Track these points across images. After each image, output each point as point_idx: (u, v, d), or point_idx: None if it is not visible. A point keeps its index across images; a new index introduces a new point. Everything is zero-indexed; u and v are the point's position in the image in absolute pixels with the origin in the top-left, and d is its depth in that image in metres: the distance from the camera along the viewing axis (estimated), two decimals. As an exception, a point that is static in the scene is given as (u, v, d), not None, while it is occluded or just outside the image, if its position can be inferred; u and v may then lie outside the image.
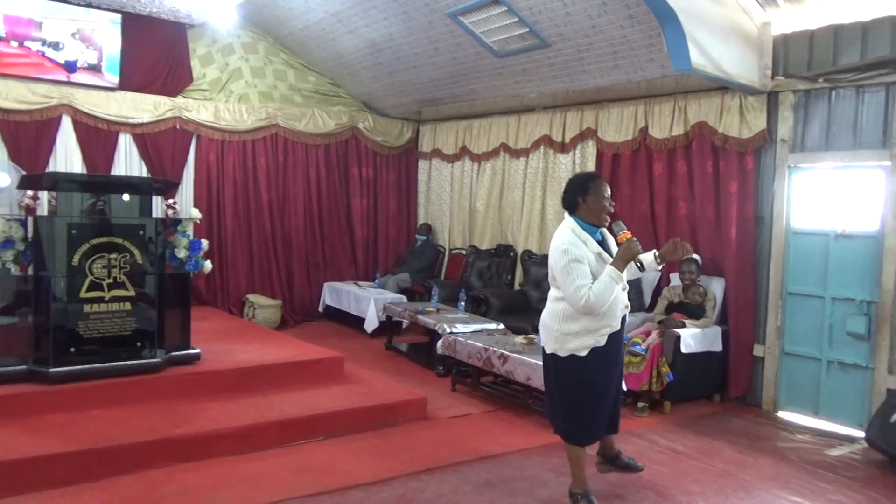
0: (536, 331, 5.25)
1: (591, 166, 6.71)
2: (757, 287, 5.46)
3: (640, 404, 5.11)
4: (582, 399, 3.35)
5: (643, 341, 5.16)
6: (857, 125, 4.90)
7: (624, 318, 3.44)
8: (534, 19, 5.69)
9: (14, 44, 6.57)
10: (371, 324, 7.13)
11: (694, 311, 5.40)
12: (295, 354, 5.29)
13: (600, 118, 6.61)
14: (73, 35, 6.82)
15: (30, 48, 6.64)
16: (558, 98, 6.94)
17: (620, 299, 3.37)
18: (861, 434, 4.66)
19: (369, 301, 7.21)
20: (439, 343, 5.57)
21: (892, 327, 4.69)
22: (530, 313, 6.58)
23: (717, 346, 5.40)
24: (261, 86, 8.09)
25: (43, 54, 6.70)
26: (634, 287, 5.98)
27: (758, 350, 5.43)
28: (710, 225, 5.69)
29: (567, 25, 5.59)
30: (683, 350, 5.10)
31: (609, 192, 3.39)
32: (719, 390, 5.55)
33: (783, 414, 5.31)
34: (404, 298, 7.50)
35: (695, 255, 5.53)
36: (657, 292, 5.94)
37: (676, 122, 5.91)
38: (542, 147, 7.23)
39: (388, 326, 6.97)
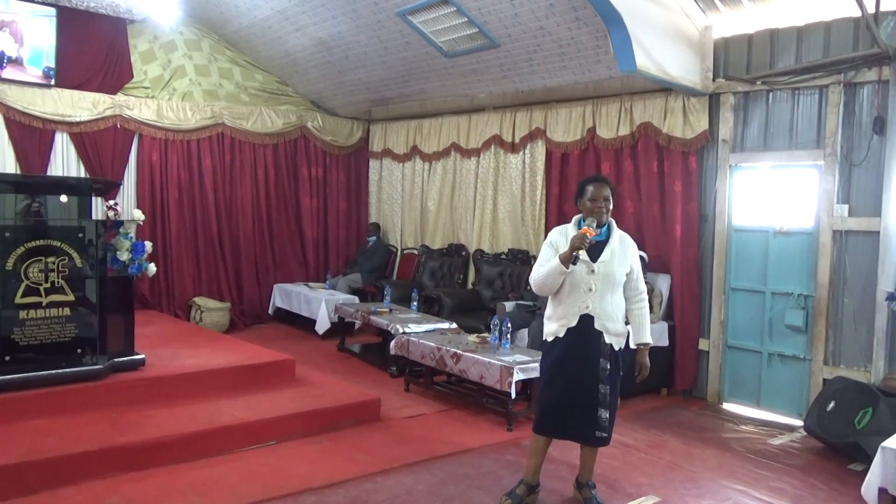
0: (489, 329, 5.29)
1: (540, 166, 6.79)
2: (701, 283, 5.63)
3: (591, 400, 5.19)
4: (543, 384, 3.48)
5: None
6: (793, 126, 5.11)
7: (591, 321, 3.29)
8: (483, 20, 5.73)
9: None
10: (322, 325, 7.05)
11: (642, 308, 5.52)
12: (244, 358, 5.18)
13: (549, 118, 6.69)
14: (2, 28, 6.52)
15: None
16: (508, 98, 7.00)
17: (577, 296, 3.30)
18: (800, 423, 4.86)
19: (320, 302, 7.12)
20: (392, 343, 5.54)
21: (827, 320, 4.90)
22: (482, 312, 6.62)
23: (664, 341, 5.54)
24: (205, 84, 7.90)
25: None
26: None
27: (703, 344, 5.60)
28: (656, 223, 5.83)
29: (516, 26, 5.64)
30: (631, 345, 5.19)
31: (599, 193, 3.30)
32: (666, 384, 5.70)
33: (727, 406, 5.48)
34: (356, 299, 7.44)
35: (641, 253, 5.66)
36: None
37: (623, 123, 6.03)
38: (492, 147, 7.28)
39: (341, 328, 6.90)
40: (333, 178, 8.82)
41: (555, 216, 6.68)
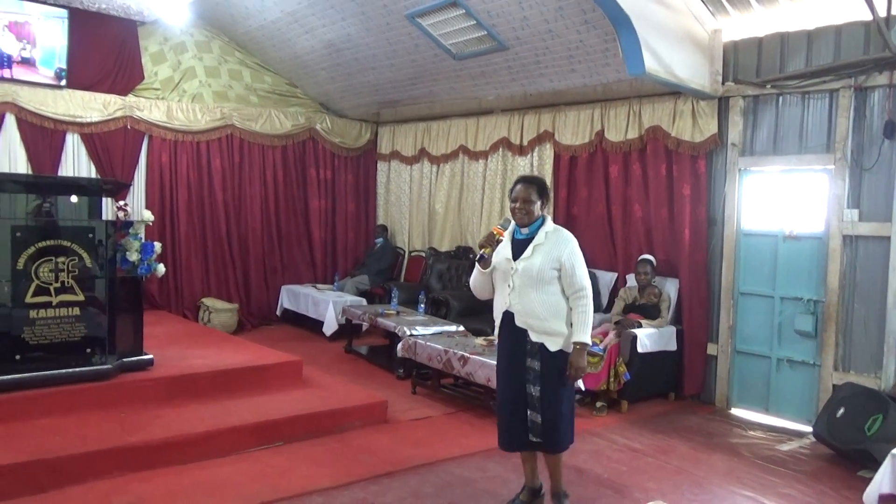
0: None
1: (548, 169, 6.79)
2: (710, 287, 5.60)
3: (599, 404, 5.19)
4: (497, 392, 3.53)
5: (601, 342, 5.24)
6: (802, 130, 5.08)
7: (512, 318, 3.25)
8: (491, 22, 5.73)
9: None
10: (330, 327, 7.06)
11: (649, 312, 5.51)
12: (252, 359, 5.20)
13: (557, 121, 6.69)
14: (7, 29, 6.56)
15: None
16: (516, 101, 7.00)
17: (501, 295, 3.31)
18: (809, 429, 4.83)
19: (328, 304, 7.14)
20: (399, 346, 5.55)
21: (837, 325, 4.87)
22: (489, 315, 6.58)
23: (672, 346, 5.52)
24: (215, 85, 7.94)
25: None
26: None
27: (711, 349, 5.58)
28: (665, 226, 5.81)
29: (524, 29, 5.64)
30: (640, 350, 5.20)
31: (520, 194, 3.27)
32: (674, 389, 5.68)
33: (735, 411, 5.45)
34: (363, 301, 7.45)
35: (649, 257, 5.65)
36: (614, 293, 6.04)
37: (631, 126, 6.02)
38: (500, 149, 7.28)
39: (348, 329, 6.91)
40: (342, 179, 8.84)
41: (563, 219, 6.67)
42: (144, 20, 7.29)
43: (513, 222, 3.33)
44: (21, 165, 6.74)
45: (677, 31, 5.08)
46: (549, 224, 3.32)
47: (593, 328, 5.51)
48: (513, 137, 7.13)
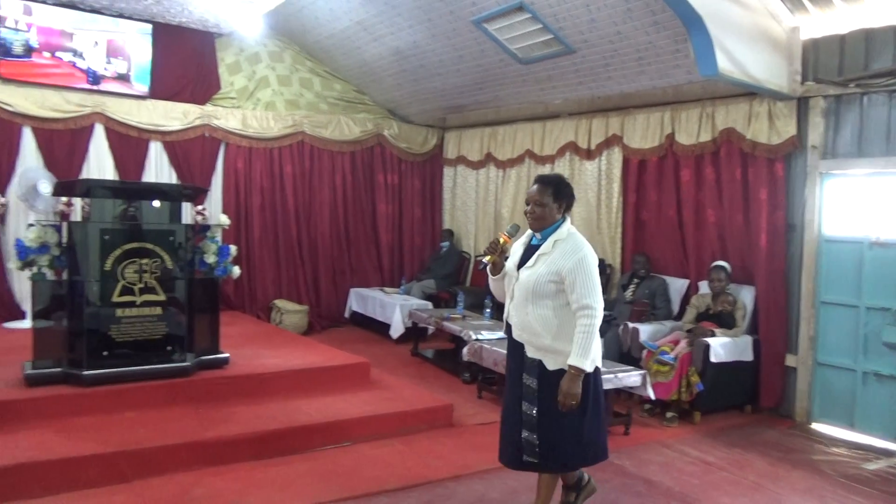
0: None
1: (616, 173, 6.67)
2: (788, 296, 5.37)
3: (669, 414, 5.06)
4: None
5: (671, 350, 5.11)
6: (890, 131, 4.81)
7: (509, 333, 3.10)
8: (558, 26, 5.69)
9: (46, 54, 6.74)
10: (397, 330, 7.15)
11: (724, 320, 5.33)
12: (321, 360, 5.32)
13: (626, 124, 6.57)
14: (102, 45, 6.96)
15: (61, 58, 6.80)
16: (584, 104, 6.92)
17: (506, 304, 3.14)
18: (897, 446, 4.56)
19: (395, 307, 7.23)
20: (465, 350, 5.56)
21: (929, 337, 4.58)
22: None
23: (748, 356, 5.32)
24: (287, 93, 8.18)
25: (74, 64, 6.86)
26: (662, 295, 5.93)
27: (790, 360, 5.34)
28: (740, 232, 5.61)
29: (592, 32, 5.58)
30: (713, 359, 5.03)
31: (531, 196, 3.05)
32: (751, 401, 5.46)
33: (817, 426, 5.20)
34: (430, 305, 7.51)
35: (723, 263, 5.47)
36: (686, 300, 5.87)
37: (704, 129, 5.85)
38: (567, 154, 7.21)
39: (414, 333, 6.98)
40: (408, 184, 8.95)
41: (632, 224, 6.54)
42: (221, 32, 7.61)
43: (520, 229, 3.16)
44: (109, 172, 7.13)
45: (752, 30, 4.91)
46: (563, 230, 3.00)
47: (664, 336, 5.39)
48: (580, 141, 7.04)
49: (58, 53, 6.78)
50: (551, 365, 2.95)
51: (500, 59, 6.58)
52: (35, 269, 4.45)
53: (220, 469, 3.80)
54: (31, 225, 4.53)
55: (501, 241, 3.07)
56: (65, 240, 4.53)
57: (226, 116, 7.67)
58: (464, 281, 8.53)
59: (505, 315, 3.16)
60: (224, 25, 7.36)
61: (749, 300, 5.47)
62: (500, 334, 5.72)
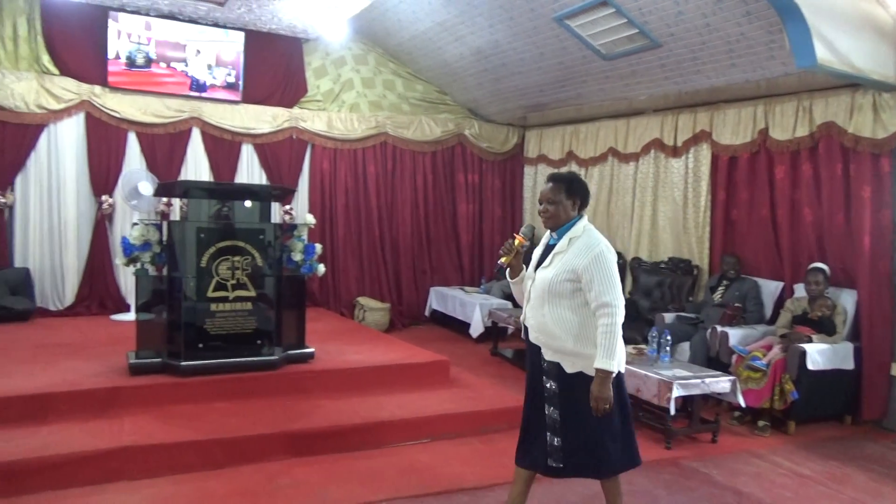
0: (646, 341, 5.09)
1: (704, 171, 6.44)
2: (894, 300, 5.01)
3: (761, 423, 4.83)
4: None
5: (764, 356, 4.88)
6: None
7: (527, 335, 3.02)
8: (643, 20, 5.54)
9: (163, 65, 7.19)
10: (476, 329, 7.17)
11: (821, 325, 5.04)
12: (402, 357, 5.41)
13: (715, 120, 6.32)
14: (201, 53, 7.35)
15: (175, 68, 7.25)
16: (670, 100, 6.70)
17: (524, 306, 3.05)
18: None
19: (475, 306, 7.25)
20: (545, 350, 5.50)
21: None
22: (639, 323, 6.38)
23: (849, 364, 5.00)
24: (371, 95, 8.36)
25: (186, 73, 7.30)
26: (754, 298, 5.67)
27: None
28: (840, 232, 5.29)
29: (679, 25, 5.40)
30: (810, 367, 4.76)
31: (544, 195, 2.97)
32: (851, 412, 5.13)
33: (925, 440, 4.84)
34: (509, 304, 7.48)
35: (822, 265, 5.17)
36: (779, 304, 5.59)
37: (800, 123, 5.55)
38: (652, 151, 7.01)
39: (494, 332, 6.98)
40: (489, 184, 8.95)
41: (721, 224, 6.29)
42: (308, 37, 7.86)
43: (546, 229, 3.04)
44: (204, 173, 7.51)
45: (855, 17, 4.61)
46: (578, 228, 2.90)
47: (755, 340, 5.16)
48: (666, 138, 6.84)
49: (172, 63, 7.21)
50: (570, 368, 2.87)
51: (582, 55, 6.48)
52: (138, 265, 4.74)
53: (304, 460, 3.93)
54: (135, 224, 4.84)
55: (516, 242, 3.00)
56: (165, 238, 4.80)
57: (312, 119, 7.92)
58: (544, 281, 8.43)
59: (521, 318, 3.08)
60: (311, 31, 7.61)
61: (850, 305, 5.14)
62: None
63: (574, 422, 2.86)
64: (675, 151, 6.75)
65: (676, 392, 4.27)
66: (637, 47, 5.93)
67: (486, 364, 6.54)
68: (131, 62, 7.03)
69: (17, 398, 4.03)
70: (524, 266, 3.08)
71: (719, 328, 5.34)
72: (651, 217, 7.06)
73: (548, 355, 2.90)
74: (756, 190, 6.00)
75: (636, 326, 6.25)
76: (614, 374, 2.76)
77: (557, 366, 2.87)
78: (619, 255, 7.44)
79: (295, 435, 4.05)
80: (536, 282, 2.92)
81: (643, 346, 5.10)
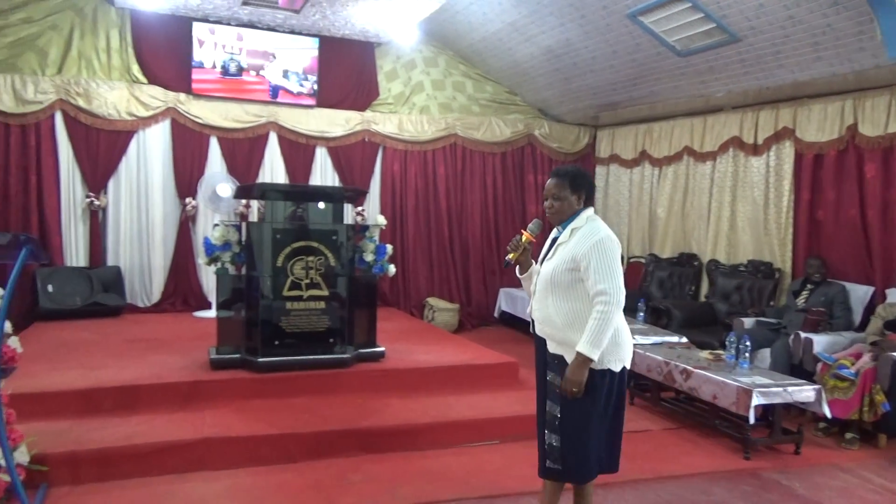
0: (723, 346, 4.92)
1: (788, 169, 6.17)
2: None
3: (849, 435, 4.57)
4: None
5: (852, 364, 4.62)
6: None
7: (533, 328, 2.98)
8: (721, 13, 5.35)
9: (253, 73, 7.52)
10: (545, 331, 7.10)
11: (917, 333, 4.74)
12: (471, 358, 5.42)
13: (799, 116, 6.04)
14: (279, 60, 7.59)
15: (262, 76, 7.54)
16: (749, 96, 6.45)
17: (531, 302, 3.00)
18: None
19: (543, 308, 7.18)
20: (616, 354, 5.40)
21: None
22: (716, 328, 6.18)
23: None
24: (441, 97, 8.42)
25: (266, 80, 7.57)
26: (841, 303, 5.38)
27: None
28: (939, 234, 4.96)
29: (760, 18, 5.19)
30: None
31: (548, 190, 2.91)
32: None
33: None
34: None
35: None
36: (870, 310, 5.28)
37: (893, 118, 5.23)
38: (730, 149, 6.77)
39: (563, 334, 6.88)
40: (558, 185, 8.83)
41: (805, 225, 6.01)
42: (380, 42, 8.00)
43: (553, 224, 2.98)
44: (280, 176, 7.76)
45: (958, 4, 4.31)
46: (581, 218, 2.84)
47: (843, 348, 4.90)
48: (745, 136, 6.58)
49: (255, 71, 7.51)
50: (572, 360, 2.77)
51: (656, 52, 6.32)
52: (219, 265, 4.95)
53: (375, 457, 4.00)
54: (216, 225, 5.05)
55: (524, 238, 2.95)
56: (244, 238, 4.99)
57: (383, 121, 8.05)
58: (615, 283, 8.27)
59: (528, 310, 3.05)
60: (382, 35, 7.74)
61: (949, 311, 4.81)
62: (654, 339, 5.51)
63: (571, 420, 2.79)
64: (755, 150, 6.50)
65: (756, 400, 4.11)
66: (714, 42, 5.74)
67: (556, 366, 6.46)
68: (225, 70, 7.39)
69: (110, 389, 4.29)
70: (533, 262, 3.07)
71: (803, 334, 5.10)
72: (729, 218, 6.81)
73: (552, 348, 2.86)
74: (844, 189, 5.70)
75: (713, 331, 6.05)
76: (592, 361, 2.69)
77: (561, 358, 2.81)
78: (695, 256, 7.23)
79: (365, 432, 4.12)
80: (541, 274, 2.91)
81: (721, 352, 4.92)
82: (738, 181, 6.72)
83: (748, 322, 5.66)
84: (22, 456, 3.31)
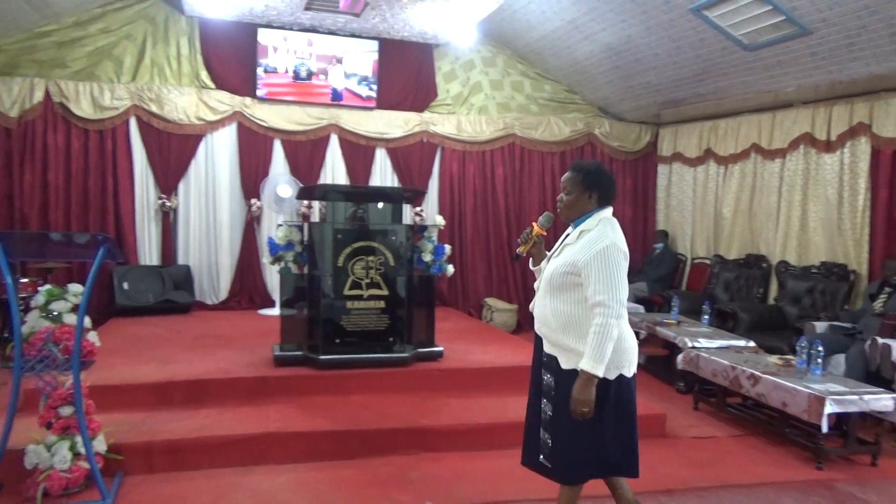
0: (793, 351, 4.74)
1: (863, 167, 5.89)
2: None
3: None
4: None
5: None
6: None
7: (533, 321, 2.89)
8: (791, 5, 5.15)
9: (322, 77, 7.71)
10: (606, 333, 6.98)
11: None
12: (530, 359, 5.36)
13: (876, 111, 5.76)
14: (340, 63, 7.73)
15: (326, 79, 7.71)
16: (821, 91, 6.18)
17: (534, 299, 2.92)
18: None
19: (603, 309, 7.06)
20: (680, 357, 5.27)
21: None
22: (786, 332, 5.94)
23: None
24: (499, 97, 8.40)
25: (332, 84, 7.73)
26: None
27: None
28: None
29: (832, 9, 4.97)
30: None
31: (563, 184, 2.81)
32: None
33: None
34: (641, 308, 7.24)
35: None
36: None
37: (983, 111, 4.92)
38: (801, 146, 6.51)
39: (624, 336, 6.76)
40: (619, 184, 8.69)
41: (882, 225, 5.72)
42: (438, 43, 8.04)
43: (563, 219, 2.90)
44: (341, 177, 7.91)
45: None
46: (591, 221, 2.72)
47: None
48: (817, 132, 6.32)
49: (320, 74, 7.68)
50: (565, 363, 2.70)
51: (721, 46, 6.13)
52: (282, 264, 5.08)
53: (433, 456, 4.02)
54: (280, 225, 5.18)
55: (534, 231, 2.91)
56: (306, 238, 5.11)
57: (442, 122, 8.09)
58: (679, 284, 8.08)
59: (531, 306, 2.99)
60: (441, 36, 7.78)
61: None
62: (720, 342, 5.36)
63: (562, 420, 2.70)
64: (828, 146, 6.22)
65: (830, 408, 3.93)
66: (783, 35, 5.54)
67: (616, 369, 6.35)
68: (296, 75, 7.61)
69: (181, 383, 4.47)
70: (546, 254, 3.01)
71: (881, 340, 4.85)
72: (800, 218, 6.55)
73: (547, 348, 2.79)
74: (927, 187, 5.40)
75: (782, 335, 5.83)
76: (599, 378, 2.57)
77: (555, 360, 2.74)
78: (763, 257, 6.99)
79: (424, 431, 4.15)
80: (544, 272, 2.84)
81: (791, 357, 4.74)
82: (810, 179, 6.45)
83: (820, 326, 5.42)
84: (100, 445, 3.49)
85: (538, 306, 2.86)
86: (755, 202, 7.16)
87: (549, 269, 2.80)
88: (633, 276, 8.26)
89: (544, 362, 2.81)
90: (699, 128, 7.93)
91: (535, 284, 2.96)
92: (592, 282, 2.60)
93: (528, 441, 2.94)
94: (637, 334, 6.77)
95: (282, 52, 7.54)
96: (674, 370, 5.59)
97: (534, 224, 2.94)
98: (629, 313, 6.78)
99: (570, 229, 2.83)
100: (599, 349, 2.55)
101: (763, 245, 7.04)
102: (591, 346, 2.56)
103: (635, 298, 7.65)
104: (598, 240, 2.65)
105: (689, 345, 5.29)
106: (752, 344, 5.38)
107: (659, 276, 7.96)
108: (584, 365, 2.56)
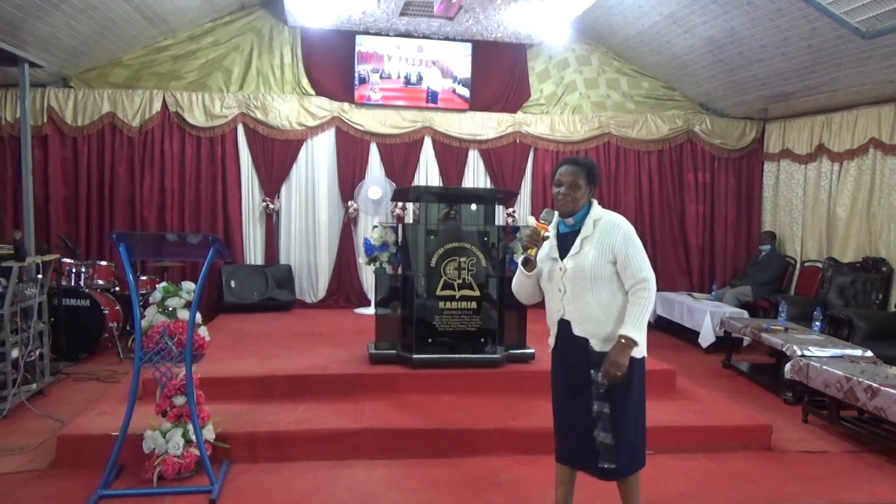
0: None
1: None
2: None
3: None
4: (553, 405, 3.04)
5: None
6: None
7: (569, 327, 2.81)
8: (921, -12, 4.75)
9: (426, 81, 7.88)
10: (706, 338, 6.71)
11: None
12: (624, 363, 5.24)
13: None
14: (435, 66, 7.84)
15: (420, 86, 7.88)
16: (954, 79, 5.67)
17: (553, 301, 2.88)
18: None
19: (704, 314, 6.79)
20: (788, 366, 4.98)
21: None
22: (906, 340, 5.49)
23: None
24: (594, 96, 8.25)
25: (427, 87, 7.88)
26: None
27: None
28: None
29: (970, -12, 4.54)
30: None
31: (564, 178, 2.81)
32: None
33: None
34: (745, 313, 6.89)
35: None
36: None
37: None
38: (928, 140, 5.99)
39: (726, 343, 6.47)
40: (722, 183, 8.34)
41: None
42: (532, 42, 7.99)
43: (556, 215, 2.88)
44: (434, 179, 8.02)
45: None
46: (597, 211, 2.82)
47: None
48: (947, 124, 5.80)
49: (420, 78, 7.85)
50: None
51: (836, 35, 5.74)
52: (378, 264, 5.21)
53: (525, 458, 4.00)
54: (375, 226, 5.31)
55: (542, 231, 2.83)
56: (400, 239, 5.21)
57: (535, 123, 8.04)
58: (787, 289, 7.64)
59: (556, 313, 2.89)
60: (534, 36, 7.73)
61: None
62: (833, 351, 5.02)
63: (622, 415, 2.78)
64: (960, 139, 5.69)
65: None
66: (909, 20, 5.11)
67: (717, 376, 6.09)
68: (407, 80, 7.81)
69: (282, 377, 4.67)
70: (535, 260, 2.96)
71: None
72: (928, 218, 6.03)
73: (597, 346, 2.77)
74: None
75: (905, 345, 5.39)
76: (635, 345, 2.68)
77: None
78: (883, 261, 6.50)
79: (515, 433, 4.14)
80: (570, 271, 2.78)
81: (914, 369, 4.37)
82: (939, 176, 5.93)
83: (950, 336, 4.97)
84: (209, 433, 3.71)
85: (576, 307, 2.82)
86: (874, 201, 6.66)
87: (581, 266, 2.77)
88: (735, 279, 7.91)
89: (593, 362, 2.79)
90: (811, 122, 7.47)
91: (545, 286, 2.93)
92: (632, 261, 2.74)
93: (572, 447, 2.94)
94: (739, 340, 6.50)
95: (395, 60, 7.76)
96: (780, 380, 5.30)
97: (538, 223, 2.89)
98: (731, 318, 6.51)
99: (562, 226, 2.89)
100: (641, 319, 2.70)
101: (883, 247, 6.53)
102: (634, 316, 2.69)
103: (738, 303, 7.30)
104: (618, 223, 2.80)
105: (799, 353, 4.99)
106: (869, 354, 5.00)
107: (765, 280, 7.55)
108: (627, 331, 2.68)
